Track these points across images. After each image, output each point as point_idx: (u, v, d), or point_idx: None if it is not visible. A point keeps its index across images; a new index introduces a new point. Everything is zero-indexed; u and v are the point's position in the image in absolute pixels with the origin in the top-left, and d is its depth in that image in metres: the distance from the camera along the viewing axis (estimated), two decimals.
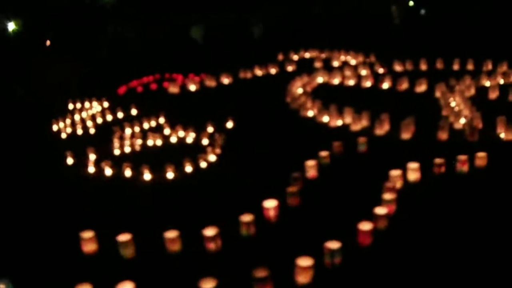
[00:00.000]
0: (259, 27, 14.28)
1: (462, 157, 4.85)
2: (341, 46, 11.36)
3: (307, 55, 11.69)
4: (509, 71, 8.41)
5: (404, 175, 4.69)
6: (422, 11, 16.83)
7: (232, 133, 6.79)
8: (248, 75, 10.10)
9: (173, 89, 9.38)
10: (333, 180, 4.95)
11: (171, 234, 3.92)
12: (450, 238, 3.78)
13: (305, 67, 10.13)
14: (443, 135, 5.81)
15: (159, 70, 10.89)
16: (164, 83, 10.01)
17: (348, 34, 13.92)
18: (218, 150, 6.08)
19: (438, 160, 4.82)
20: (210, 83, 9.73)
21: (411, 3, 16.75)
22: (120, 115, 8.14)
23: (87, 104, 8.78)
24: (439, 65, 9.46)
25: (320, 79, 9.11)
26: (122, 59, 13.53)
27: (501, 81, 8.13)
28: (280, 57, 11.65)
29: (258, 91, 8.93)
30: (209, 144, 6.30)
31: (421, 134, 6.02)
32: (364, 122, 6.43)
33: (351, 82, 8.79)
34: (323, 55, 11.29)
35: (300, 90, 8.23)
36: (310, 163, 5.06)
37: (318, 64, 10.43)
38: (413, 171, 4.71)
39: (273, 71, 10.31)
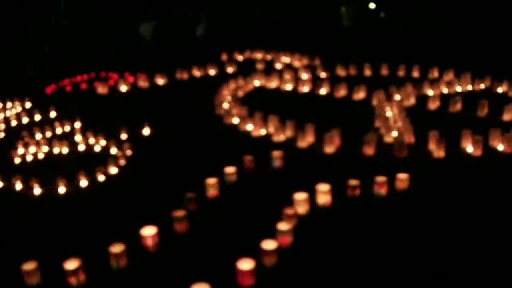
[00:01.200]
0: (203, 25, 13.52)
1: (380, 179, 4.26)
2: (288, 47, 10.86)
3: (253, 55, 11.10)
4: (454, 80, 7.86)
5: (312, 199, 4.04)
6: (382, 14, 16.35)
7: (147, 141, 6.21)
8: (185, 76, 9.35)
9: (102, 89, 8.61)
10: (234, 203, 4.33)
11: (28, 265, 3.35)
12: (355, 277, 3.18)
13: (247, 69, 9.55)
14: (369, 150, 5.21)
15: (98, 68, 10.15)
16: (95, 82, 9.15)
17: (297, 34, 13.24)
18: (122, 161, 5.35)
19: (352, 182, 4.23)
20: (143, 83, 8.95)
21: (371, 5, 16.28)
22: (37, 117, 7.35)
23: (9, 105, 8.03)
24: (384, 71, 8.85)
25: (257, 83, 8.43)
26: (63, 54, 12.62)
27: (445, 90, 7.58)
28: (224, 57, 10.96)
29: (191, 94, 8.30)
30: (115, 154, 5.63)
31: (347, 148, 5.36)
32: (288, 133, 5.78)
33: (289, 87, 8.13)
34: (269, 57, 10.66)
35: (228, 96, 7.52)
36: (211, 180, 4.42)
37: (260, 66, 9.76)
38: (323, 194, 4.09)
39: (212, 72, 9.53)
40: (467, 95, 7.55)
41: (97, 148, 6.05)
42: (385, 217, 4.03)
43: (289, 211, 3.81)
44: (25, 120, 7.44)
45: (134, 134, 6.37)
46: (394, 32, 13.48)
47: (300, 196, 4.02)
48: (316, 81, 8.26)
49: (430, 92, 7.59)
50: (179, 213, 3.93)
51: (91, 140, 6.20)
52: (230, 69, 9.89)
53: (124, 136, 6.33)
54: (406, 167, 4.72)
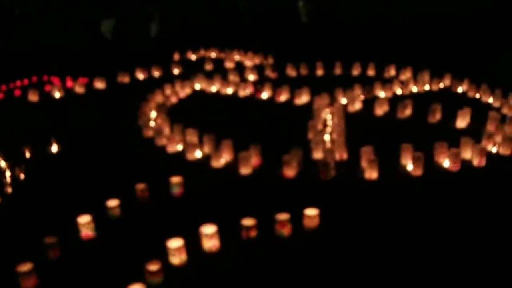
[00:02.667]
0: (156, 23, 12.66)
1: (282, 216, 3.47)
2: (243, 45, 10.14)
3: (206, 54, 10.35)
4: (410, 80, 7.09)
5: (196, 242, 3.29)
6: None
7: (50, 162, 5.43)
8: (126, 79, 8.51)
9: (33, 97, 7.75)
10: (110, 246, 3.51)
11: None
12: None
13: (195, 69, 8.77)
14: (289, 172, 4.42)
15: (44, 71, 9.28)
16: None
17: (255, 31, 12.44)
18: (8, 189, 4.57)
19: (247, 221, 3.43)
20: (80, 89, 8.14)
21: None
22: None
23: None
24: (337, 70, 8.05)
25: (197, 86, 7.63)
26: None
27: (399, 91, 6.80)
28: (176, 56, 10.14)
29: (120, 101, 7.44)
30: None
31: (266, 169, 4.58)
32: (206, 149, 5.00)
33: (229, 90, 7.32)
34: (223, 55, 9.86)
35: (152, 106, 6.71)
36: (84, 219, 3.62)
37: (208, 66, 8.95)
38: (208, 238, 3.31)
39: (156, 74, 8.71)
40: (422, 96, 6.75)
41: None
42: (286, 265, 3.27)
43: (152, 266, 3.00)
44: None
45: (41, 152, 5.59)
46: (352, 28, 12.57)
47: (175, 244, 3.21)
48: (257, 84, 7.39)
49: (381, 94, 6.76)
50: (25, 267, 3.10)
51: None
52: (176, 70, 8.99)
53: (28, 155, 5.53)
54: (328, 194, 4.17)
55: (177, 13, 14.41)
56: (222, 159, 4.93)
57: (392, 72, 7.83)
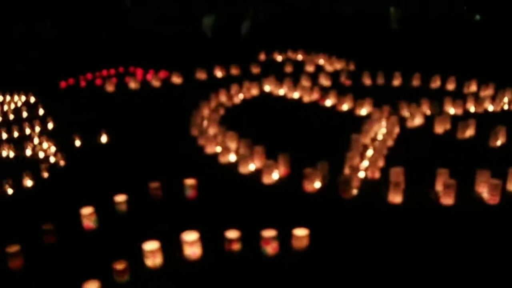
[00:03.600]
0: (247, 22, 12.75)
1: (267, 233, 3.34)
2: (329, 49, 9.95)
3: (294, 56, 10.33)
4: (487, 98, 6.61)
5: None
6: (477, 17, 14.56)
7: (95, 151, 5.67)
8: (203, 75, 8.69)
9: (109, 87, 8.19)
10: (107, 239, 3.65)
11: None
12: None
13: (274, 70, 8.74)
14: (309, 186, 4.27)
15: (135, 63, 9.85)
16: (112, 79, 8.89)
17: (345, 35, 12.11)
18: (45, 174, 4.85)
19: (231, 234, 3.35)
20: (155, 82, 8.45)
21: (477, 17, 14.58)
22: (25, 114, 7.12)
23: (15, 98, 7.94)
24: (416, 81, 7.64)
25: (267, 88, 7.59)
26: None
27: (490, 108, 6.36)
28: (262, 56, 10.18)
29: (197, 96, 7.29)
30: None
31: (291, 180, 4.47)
32: (258, 163, 4.91)
33: (296, 95, 7.21)
34: (307, 58, 9.84)
35: (206, 111, 6.65)
36: (86, 210, 3.73)
37: (288, 68, 8.91)
38: (189, 245, 3.28)
39: (234, 72, 8.82)
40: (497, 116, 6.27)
41: (41, 155, 5.58)
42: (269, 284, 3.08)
43: (118, 265, 3.02)
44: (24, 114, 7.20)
45: (91, 142, 5.87)
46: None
47: (150, 246, 3.20)
48: (323, 91, 7.28)
49: (451, 111, 6.30)
50: (13, 248, 3.27)
51: (45, 145, 5.76)
52: (255, 70, 8.98)
53: (78, 142, 5.88)
54: (344, 213, 3.93)
55: (276, 13, 14.44)
56: (251, 165, 4.79)
57: (473, 87, 7.19)
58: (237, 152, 5.11)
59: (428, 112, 6.30)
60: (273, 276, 3.16)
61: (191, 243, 3.34)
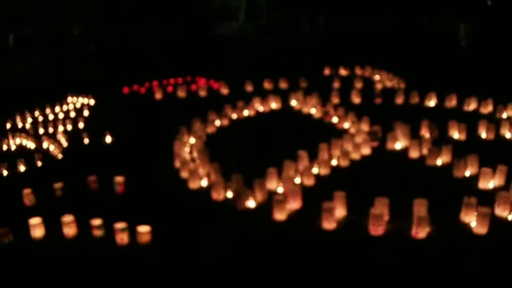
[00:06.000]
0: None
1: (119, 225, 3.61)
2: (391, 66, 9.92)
3: (358, 72, 10.24)
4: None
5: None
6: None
7: (94, 150, 6.22)
8: (250, 87, 9.06)
9: (159, 95, 8.86)
10: None
11: None
12: None
13: (325, 85, 8.98)
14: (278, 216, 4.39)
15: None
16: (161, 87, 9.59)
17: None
18: (38, 163, 5.60)
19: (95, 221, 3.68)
20: (203, 92, 8.98)
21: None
22: (72, 114, 8.00)
23: (74, 99, 8.87)
24: (451, 101, 7.43)
25: (293, 102, 7.73)
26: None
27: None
28: (327, 71, 10.26)
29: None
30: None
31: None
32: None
33: (313, 110, 7.25)
34: (365, 74, 10.00)
35: (192, 140, 6.23)
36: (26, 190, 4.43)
37: (336, 84, 9.02)
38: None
39: (283, 85, 9.04)
40: None
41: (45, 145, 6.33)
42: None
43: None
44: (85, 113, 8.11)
45: (97, 141, 6.48)
46: None
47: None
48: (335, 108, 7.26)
49: (455, 135, 5.98)
50: None
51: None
52: (303, 84, 9.11)
53: (86, 140, 6.52)
54: None
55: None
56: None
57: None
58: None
59: (428, 136, 5.89)
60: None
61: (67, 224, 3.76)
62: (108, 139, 6.53)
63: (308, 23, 14.73)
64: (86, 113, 8.13)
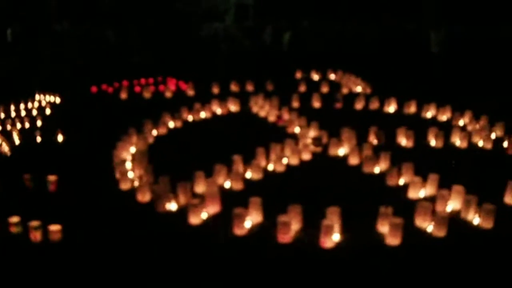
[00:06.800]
0: (288, 33, 12.70)
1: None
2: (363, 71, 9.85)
3: (332, 76, 10.28)
4: None
5: None
6: None
7: (50, 150, 6.14)
8: (216, 90, 8.96)
9: (123, 95, 8.81)
10: None
11: None
12: None
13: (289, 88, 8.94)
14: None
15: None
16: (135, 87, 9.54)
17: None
18: None
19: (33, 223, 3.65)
20: (168, 93, 8.90)
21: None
22: (35, 112, 7.93)
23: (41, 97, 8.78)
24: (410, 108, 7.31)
25: (232, 107, 7.68)
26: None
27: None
28: (298, 74, 10.20)
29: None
30: None
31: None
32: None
33: (263, 114, 7.23)
34: (337, 79, 9.93)
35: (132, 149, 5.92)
36: None
37: (302, 88, 9.10)
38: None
39: (250, 88, 8.99)
40: None
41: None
42: None
43: None
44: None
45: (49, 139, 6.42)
46: None
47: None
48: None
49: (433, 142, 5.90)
50: None
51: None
52: (269, 87, 9.08)
53: (38, 139, 6.47)
54: None
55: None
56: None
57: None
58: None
59: (375, 142, 5.84)
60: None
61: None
62: (60, 138, 6.45)
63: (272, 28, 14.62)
64: (48, 111, 8.00)
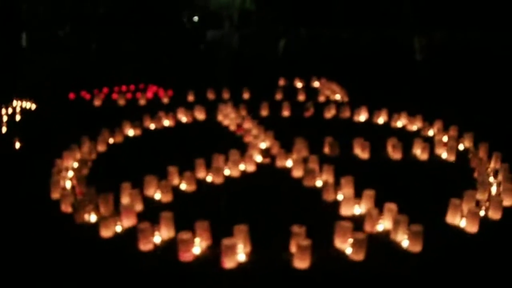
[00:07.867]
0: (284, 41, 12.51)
1: None
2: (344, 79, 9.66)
3: (316, 84, 10.03)
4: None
5: None
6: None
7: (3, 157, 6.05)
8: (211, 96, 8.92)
9: (97, 101, 8.71)
10: None
11: None
12: None
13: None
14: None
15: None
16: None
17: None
18: None
19: None
20: (142, 101, 8.80)
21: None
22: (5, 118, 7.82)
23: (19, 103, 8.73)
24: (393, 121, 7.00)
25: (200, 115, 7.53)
26: None
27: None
28: (281, 82, 10.02)
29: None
30: None
31: None
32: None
33: (226, 122, 7.04)
34: (319, 86, 9.67)
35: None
36: None
37: (278, 96, 8.94)
38: None
39: (226, 96, 8.82)
40: None
41: None
42: None
43: None
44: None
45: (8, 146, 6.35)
46: None
47: None
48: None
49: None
50: None
51: None
52: (245, 95, 8.88)
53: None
54: None
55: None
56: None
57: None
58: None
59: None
60: None
61: None
62: (17, 145, 6.37)
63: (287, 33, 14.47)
64: (17, 117, 7.91)
